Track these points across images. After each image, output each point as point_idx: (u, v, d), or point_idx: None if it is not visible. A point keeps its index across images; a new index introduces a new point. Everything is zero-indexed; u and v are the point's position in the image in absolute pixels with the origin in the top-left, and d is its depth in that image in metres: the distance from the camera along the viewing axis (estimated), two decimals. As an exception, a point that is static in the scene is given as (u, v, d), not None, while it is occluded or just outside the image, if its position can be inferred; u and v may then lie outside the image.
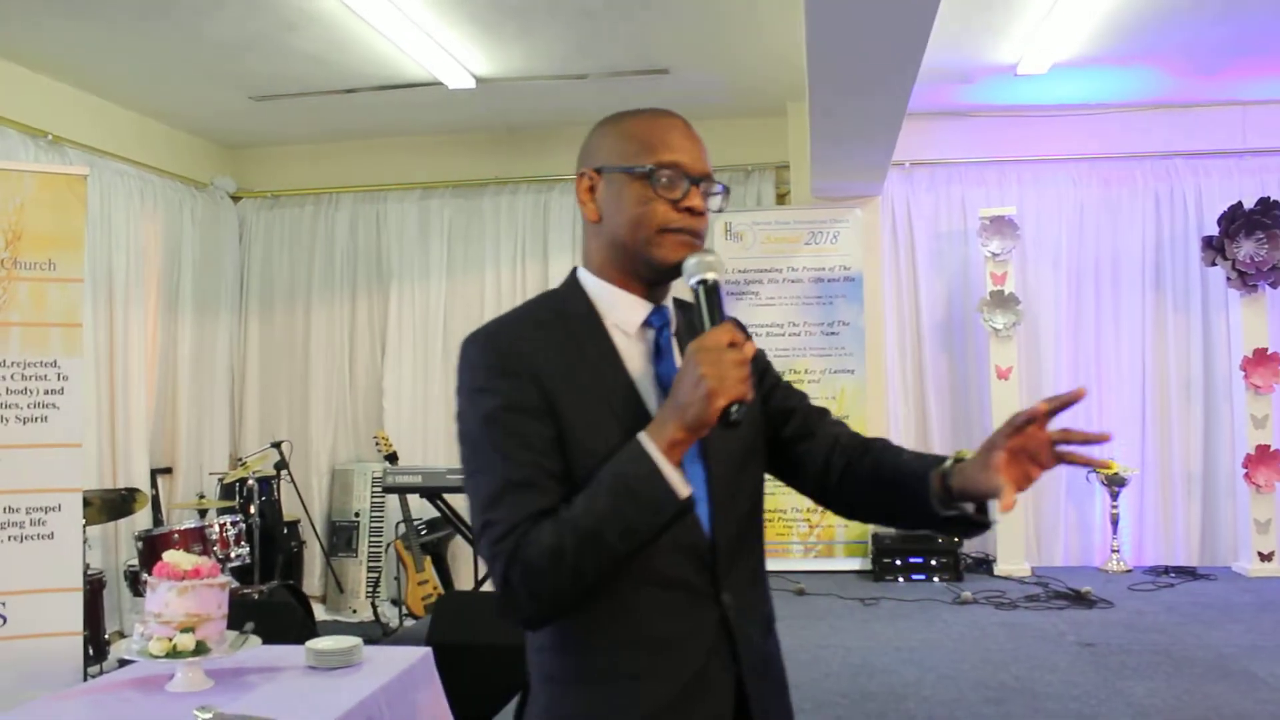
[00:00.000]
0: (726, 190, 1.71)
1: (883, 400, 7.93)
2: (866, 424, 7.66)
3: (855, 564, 7.54)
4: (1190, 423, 7.69)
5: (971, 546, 7.60)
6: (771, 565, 1.82)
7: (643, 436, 1.51)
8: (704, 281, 1.60)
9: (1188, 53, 6.73)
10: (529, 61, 6.89)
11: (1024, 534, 7.55)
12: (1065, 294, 7.83)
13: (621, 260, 1.66)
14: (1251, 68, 7.07)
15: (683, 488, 1.50)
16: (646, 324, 1.69)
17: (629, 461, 1.49)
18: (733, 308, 7.67)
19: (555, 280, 8.30)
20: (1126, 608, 6.26)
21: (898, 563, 7.23)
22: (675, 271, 1.65)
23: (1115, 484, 7.43)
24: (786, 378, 1.88)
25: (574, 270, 1.73)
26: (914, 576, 7.19)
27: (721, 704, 1.61)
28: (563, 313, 1.66)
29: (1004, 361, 7.50)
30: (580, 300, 1.68)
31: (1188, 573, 7.26)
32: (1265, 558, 7.23)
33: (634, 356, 1.66)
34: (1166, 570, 7.33)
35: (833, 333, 7.71)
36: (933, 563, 7.21)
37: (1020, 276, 7.72)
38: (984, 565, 7.54)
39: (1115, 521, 7.49)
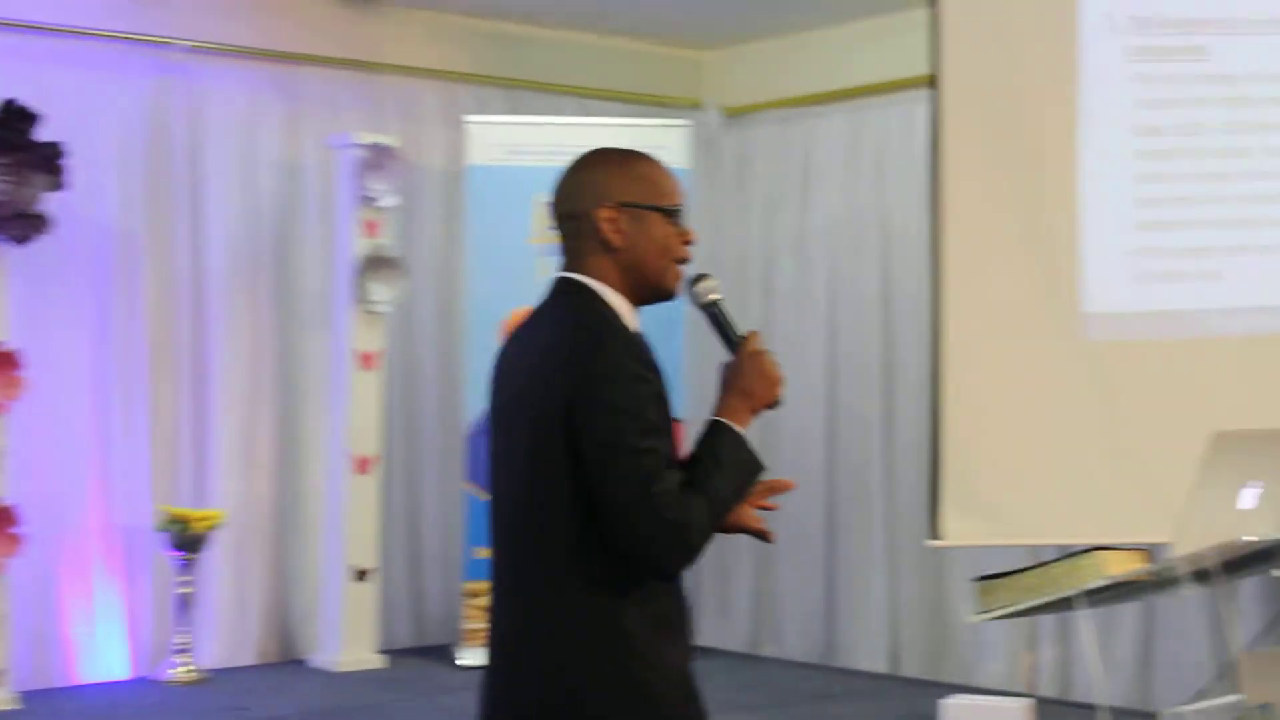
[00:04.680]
0: None
1: None
2: None
3: None
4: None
5: None
6: None
7: (724, 421, 1.90)
8: (717, 300, 2.02)
9: None
10: None
11: None
12: None
13: (634, 283, 1.98)
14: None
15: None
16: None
17: (726, 442, 1.88)
18: None
19: None
20: None
21: None
22: (671, 297, 2.03)
23: None
24: None
25: (575, 280, 1.97)
26: None
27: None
28: (615, 318, 1.95)
29: None
30: (609, 309, 1.94)
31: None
32: None
33: None
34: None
35: None
36: None
37: None
38: None
39: None
